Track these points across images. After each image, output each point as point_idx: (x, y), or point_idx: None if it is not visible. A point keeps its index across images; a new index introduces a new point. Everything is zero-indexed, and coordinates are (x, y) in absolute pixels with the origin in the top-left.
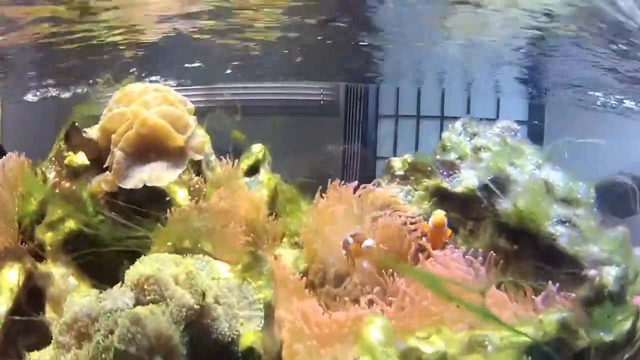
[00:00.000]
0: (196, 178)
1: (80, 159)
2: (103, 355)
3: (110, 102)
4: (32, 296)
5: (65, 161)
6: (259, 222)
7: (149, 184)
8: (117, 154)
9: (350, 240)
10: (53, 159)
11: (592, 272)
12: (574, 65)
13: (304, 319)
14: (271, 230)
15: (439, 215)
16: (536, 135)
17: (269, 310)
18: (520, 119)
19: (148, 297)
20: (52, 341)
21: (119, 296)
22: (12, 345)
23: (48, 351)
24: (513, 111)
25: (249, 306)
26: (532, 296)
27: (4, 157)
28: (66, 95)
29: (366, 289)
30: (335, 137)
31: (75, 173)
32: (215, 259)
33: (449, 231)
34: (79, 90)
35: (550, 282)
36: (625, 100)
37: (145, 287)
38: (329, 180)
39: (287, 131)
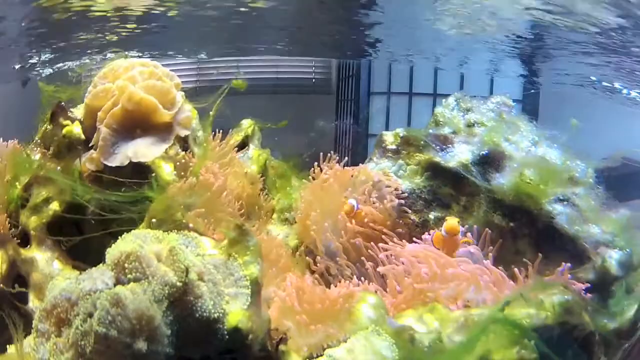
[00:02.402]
0: (182, 153)
1: (77, 130)
2: (83, 341)
3: (95, 78)
4: (15, 284)
5: (63, 131)
6: (250, 198)
7: (134, 160)
8: (103, 130)
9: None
10: (39, 140)
11: (593, 255)
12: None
13: (294, 294)
14: (261, 206)
15: (452, 221)
16: (530, 115)
17: (256, 287)
18: (515, 98)
19: (129, 276)
20: (32, 330)
21: (99, 276)
22: None
23: (28, 341)
24: (507, 91)
25: (235, 283)
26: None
27: None
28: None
29: (357, 267)
30: (328, 115)
31: (70, 146)
32: (201, 234)
33: (465, 238)
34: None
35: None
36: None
37: (126, 265)
38: (321, 156)
39: (279, 109)
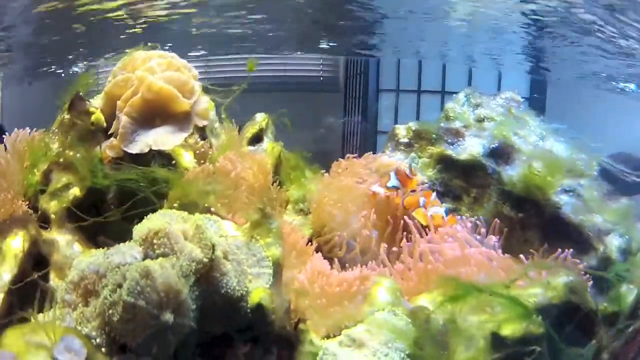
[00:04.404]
0: (201, 142)
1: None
2: (111, 310)
3: (115, 68)
4: (37, 263)
5: (92, 118)
6: (265, 189)
7: (154, 148)
8: (123, 119)
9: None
10: (56, 130)
11: (596, 242)
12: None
13: (313, 277)
14: (276, 196)
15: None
16: (538, 111)
17: (277, 268)
18: (522, 95)
19: (157, 251)
20: (58, 301)
21: (127, 251)
22: (17, 312)
23: (53, 311)
24: (515, 87)
25: (258, 263)
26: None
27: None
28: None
29: (373, 255)
30: (336, 112)
31: (93, 133)
32: (222, 218)
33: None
34: (78, 70)
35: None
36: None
37: (155, 241)
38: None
39: (287, 107)
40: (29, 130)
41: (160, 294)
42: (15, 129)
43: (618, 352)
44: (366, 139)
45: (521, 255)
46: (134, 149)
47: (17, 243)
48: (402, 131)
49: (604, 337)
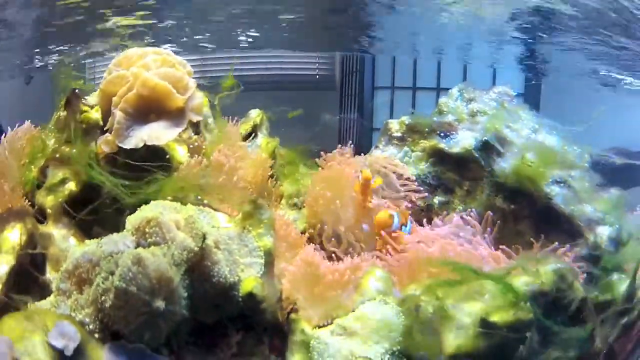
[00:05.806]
0: (195, 137)
1: (95, 115)
2: (103, 297)
3: (110, 65)
4: (34, 256)
5: (81, 117)
6: (259, 183)
7: (149, 143)
8: (118, 114)
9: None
10: (52, 127)
11: (587, 232)
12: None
13: (306, 266)
14: (271, 191)
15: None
16: (532, 107)
17: (269, 258)
18: (517, 91)
19: (149, 240)
20: (54, 289)
21: (120, 240)
22: (13, 303)
23: (49, 299)
24: (509, 84)
25: (249, 253)
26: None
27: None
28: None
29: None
30: (332, 110)
31: (88, 130)
32: (215, 210)
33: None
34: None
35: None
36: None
37: (147, 230)
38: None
39: (284, 105)
40: (27, 126)
41: (152, 281)
42: (15, 126)
43: (615, 342)
44: (362, 136)
45: (503, 247)
46: (129, 144)
47: (14, 236)
48: (395, 125)
49: (596, 325)
